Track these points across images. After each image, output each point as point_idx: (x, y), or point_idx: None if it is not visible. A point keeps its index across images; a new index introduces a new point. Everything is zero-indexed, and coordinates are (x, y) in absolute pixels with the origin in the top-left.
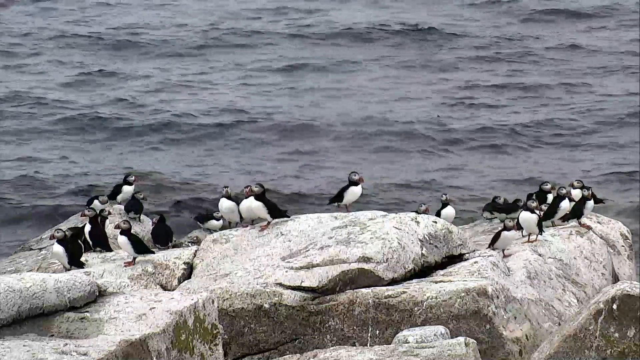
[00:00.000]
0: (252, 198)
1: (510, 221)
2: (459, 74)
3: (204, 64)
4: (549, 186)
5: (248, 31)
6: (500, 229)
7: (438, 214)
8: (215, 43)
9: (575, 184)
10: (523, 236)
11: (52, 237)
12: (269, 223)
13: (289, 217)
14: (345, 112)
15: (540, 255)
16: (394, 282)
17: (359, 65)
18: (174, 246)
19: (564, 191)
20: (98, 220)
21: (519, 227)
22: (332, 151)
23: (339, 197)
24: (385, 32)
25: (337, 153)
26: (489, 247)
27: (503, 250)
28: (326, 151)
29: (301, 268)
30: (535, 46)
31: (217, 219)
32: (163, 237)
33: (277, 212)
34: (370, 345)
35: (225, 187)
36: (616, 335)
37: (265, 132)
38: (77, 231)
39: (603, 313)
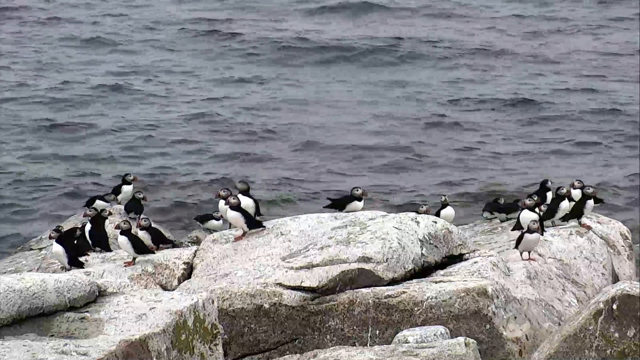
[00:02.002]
0: (228, 208)
1: (534, 223)
2: None
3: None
4: (549, 185)
5: None
6: (523, 231)
7: (437, 215)
8: None
9: (576, 184)
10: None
11: (50, 237)
12: (244, 233)
13: (264, 227)
14: None
15: (540, 255)
16: (394, 282)
17: None
18: (173, 246)
19: (564, 191)
20: (98, 220)
21: (519, 227)
22: None
23: (341, 206)
24: None
25: None
26: (515, 247)
27: (529, 252)
28: None
29: (301, 268)
30: None
31: (217, 219)
32: (164, 236)
33: (253, 222)
34: (370, 345)
35: (225, 188)
36: (616, 335)
37: None
38: (73, 230)
39: (603, 313)
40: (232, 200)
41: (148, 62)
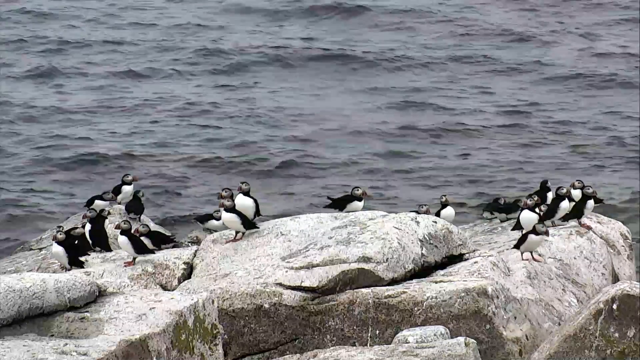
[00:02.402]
0: (223, 211)
1: (542, 226)
2: None
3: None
4: (549, 185)
5: None
6: (527, 231)
7: (438, 215)
8: None
9: (576, 184)
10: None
11: (54, 238)
12: (243, 234)
13: (258, 227)
14: None
15: (540, 255)
16: (394, 282)
17: None
18: (174, 246)
19: (564, 191)
20: (98, 220)
21: (519, 227)
22: None
23: (341, 206)
24: None
25: None
26: (514, 247)
27: (531, 253)
28: None
29: (301, 268)
30: None
31: (218, 219)
32: (165, 235)
33: (249, 224)
34: (370, 345)
35: (226, 188)
36: (616, 335)
37: None
38: (73, 230)
39: (603, 313)
40: (226, 202)
41: (145, 66)
